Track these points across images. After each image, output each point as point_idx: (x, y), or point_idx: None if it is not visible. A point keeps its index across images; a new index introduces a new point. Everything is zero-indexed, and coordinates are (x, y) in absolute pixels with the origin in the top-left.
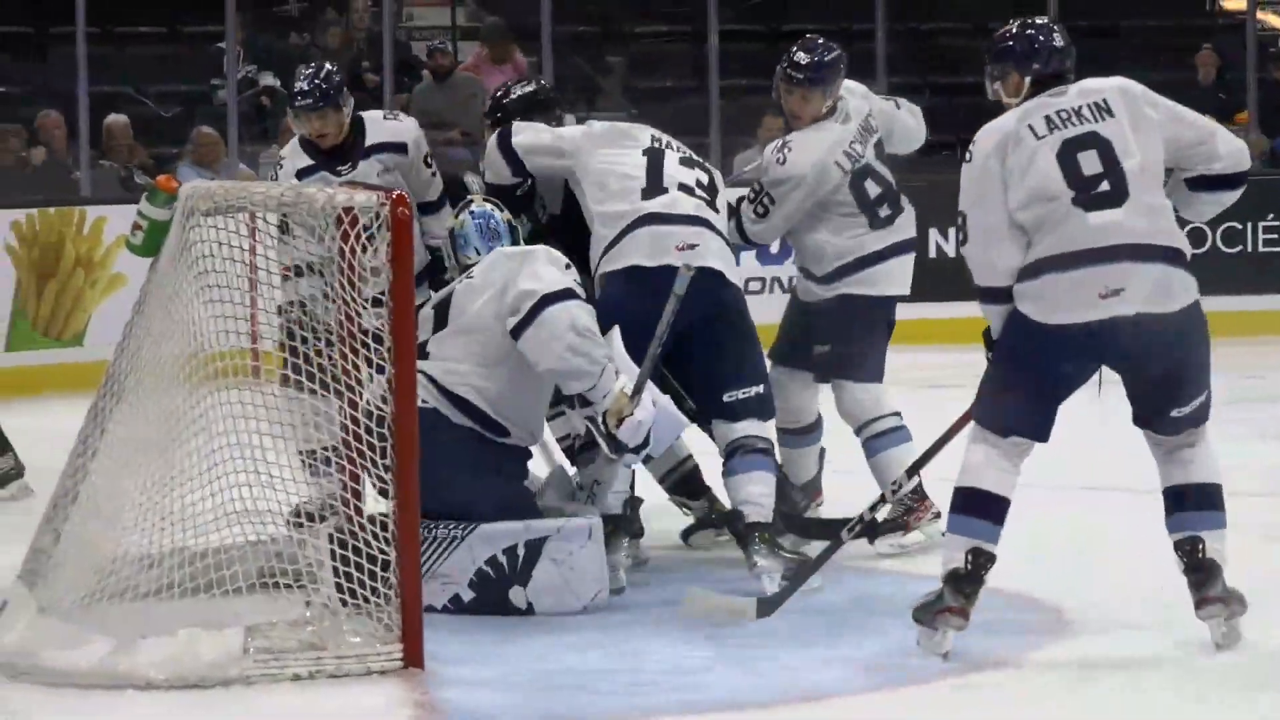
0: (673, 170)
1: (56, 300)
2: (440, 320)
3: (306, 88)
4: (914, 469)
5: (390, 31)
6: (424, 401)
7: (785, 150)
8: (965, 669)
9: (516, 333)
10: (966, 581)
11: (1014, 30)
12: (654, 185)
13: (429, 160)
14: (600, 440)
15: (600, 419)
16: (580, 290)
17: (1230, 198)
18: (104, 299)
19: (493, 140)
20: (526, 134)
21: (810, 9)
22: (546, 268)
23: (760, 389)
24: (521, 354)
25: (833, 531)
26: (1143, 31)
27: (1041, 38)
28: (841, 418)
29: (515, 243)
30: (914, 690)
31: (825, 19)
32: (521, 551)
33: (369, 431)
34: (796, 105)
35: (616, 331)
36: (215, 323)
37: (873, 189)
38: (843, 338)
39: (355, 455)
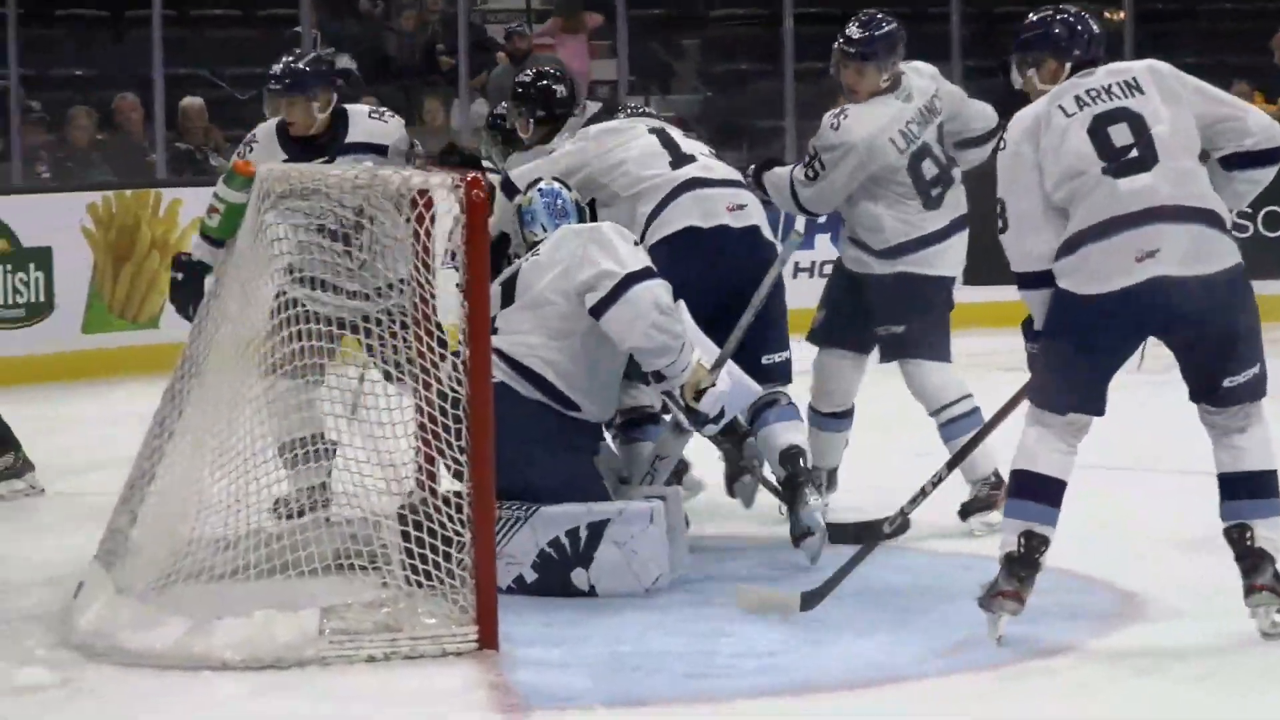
0: (685, 144)
1: (132, 283)
2: (507, 297)
3: (279, 71)
4: (953, 463)
5: (465, 14)
6: (493, 376)
7: (840, 117)
8: (1025, 655)
9: (598, 310)
10: (1020, 565)
11: (1048, 17)
12: (678, 156)
13: (411, 162)
14: (678, 414)
15: (678, 392)
16: (654, 267)
17: (1266, 175)
18: None
19: (501, 196)
20: (527, 177)
21: None
22: (622, 245)
23: (789, 354)
24: (591, 328)
25: (872, 532)
26: (1219, 14)
27: (1080, 25)
28: (916, 398)
29: (581, 221)
30: (973, 676)
31: (900, 1)
32: (583, 534)
33: (443, 413)
34: (852, 79)
35: (683, 304)
36: None
37: (929, 170)
38: (913, 317)
39: (430, 437)
